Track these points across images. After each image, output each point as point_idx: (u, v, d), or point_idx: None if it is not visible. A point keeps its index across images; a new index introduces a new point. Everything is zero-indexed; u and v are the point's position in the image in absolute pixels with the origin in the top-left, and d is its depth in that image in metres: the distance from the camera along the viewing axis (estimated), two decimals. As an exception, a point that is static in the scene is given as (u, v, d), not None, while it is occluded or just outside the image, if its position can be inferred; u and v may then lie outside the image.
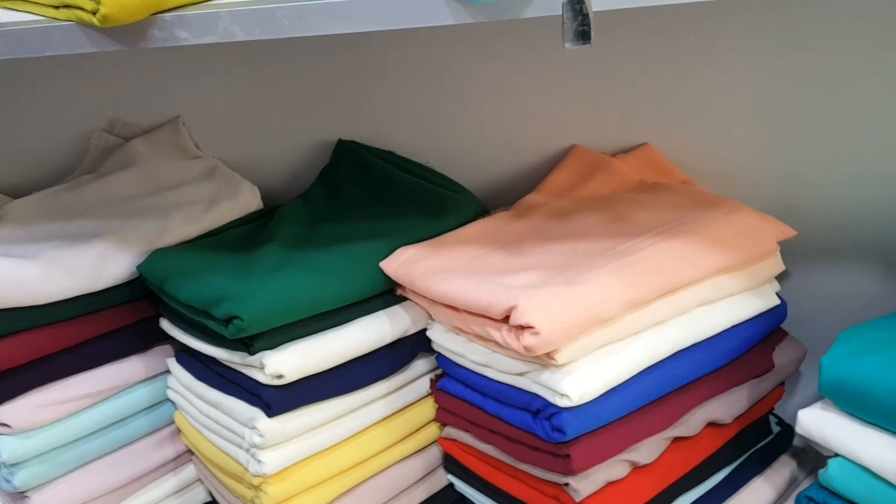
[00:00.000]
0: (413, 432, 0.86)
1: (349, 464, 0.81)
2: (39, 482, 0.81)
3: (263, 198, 0.95)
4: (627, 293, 0.68)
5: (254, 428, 0.74)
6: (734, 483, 0.84)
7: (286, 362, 0.72)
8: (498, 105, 0.92)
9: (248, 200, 0.93)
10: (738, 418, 0.82)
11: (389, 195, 0.89)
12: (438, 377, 0.86)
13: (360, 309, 0.79)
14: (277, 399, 0.73)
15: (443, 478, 0.89)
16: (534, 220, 0.83)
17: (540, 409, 0.70)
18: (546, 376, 0.68)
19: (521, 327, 0.65)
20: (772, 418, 0.90)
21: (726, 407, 0.81)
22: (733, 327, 0.78)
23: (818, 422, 0.72)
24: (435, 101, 0.94)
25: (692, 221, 0.77)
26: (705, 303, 0.76)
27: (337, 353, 0.76)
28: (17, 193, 0.94)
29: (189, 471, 0.93)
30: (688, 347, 0.75)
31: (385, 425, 0.83)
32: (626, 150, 0.92)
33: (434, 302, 0.76)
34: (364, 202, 0.90)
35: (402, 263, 0.77)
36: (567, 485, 0.71)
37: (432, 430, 0.87)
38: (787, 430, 0.92)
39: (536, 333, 0.63)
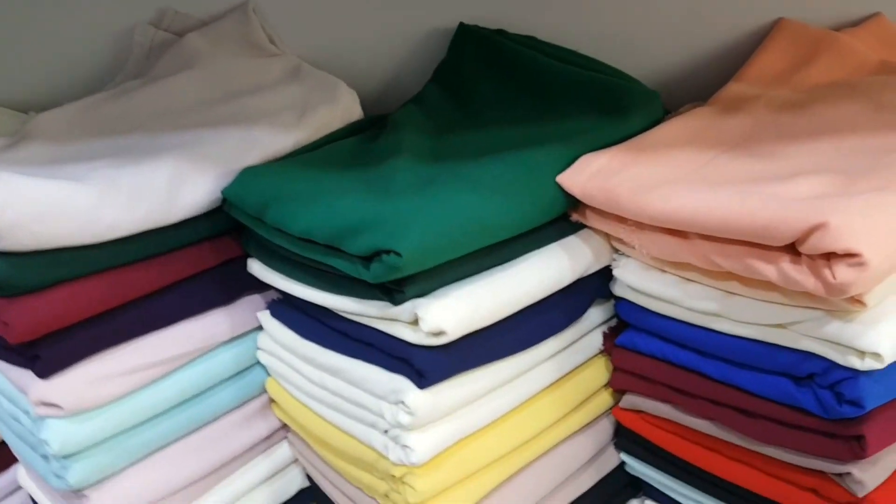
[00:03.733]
0: (582, 402, 0.66)
1: (511, 445, 0.61)
2: (100, 477, 0.61)
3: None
4: None
5: (399, 403, 0.54)
6: None
7: (449, 314, 0.52)
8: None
9: (348, 106, 0.71)
10: None
11: (540, 91, 0.67)
12: (615, 330, 0.65)
13: (531, 241, 0.58)
14: (433, 363, 0.53)
15: (613, 457, 0.69)
16: (756, 114, 0.61)
17: (815, 373, 0.50)
18: (836, 328, 0.47)
19: (831, 255, 0.43)
20: None
21: None
22: None
23: None
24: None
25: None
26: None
27: (509, 301, 0.55)
28: (43, 108, 0.72)
29: (283, 451, 0.73)
30: None
31: (551, 394, 0.63)
32: (852, 24, 0.69)
33: (641, 227, 0.55)
34: (505, 103, 0.68)
35: (594, 176, 0.55)
36: (846, 475, 0.51)
37: (603, 399, 0.67)
38: None
39: (861, 264, 0.42)
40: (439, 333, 0.52)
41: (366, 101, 0.75)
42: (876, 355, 0.46)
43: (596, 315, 0.65)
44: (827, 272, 0.43)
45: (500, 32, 0.73)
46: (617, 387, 0.66)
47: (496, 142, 0.61)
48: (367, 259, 0.50)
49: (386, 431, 0.57)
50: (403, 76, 0.78)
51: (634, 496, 0.72)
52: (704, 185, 0.51)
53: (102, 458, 0.61)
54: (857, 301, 0.45)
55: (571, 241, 0.60)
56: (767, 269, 0.47)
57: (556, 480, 0.65)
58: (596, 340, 0.65)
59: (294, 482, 0.75)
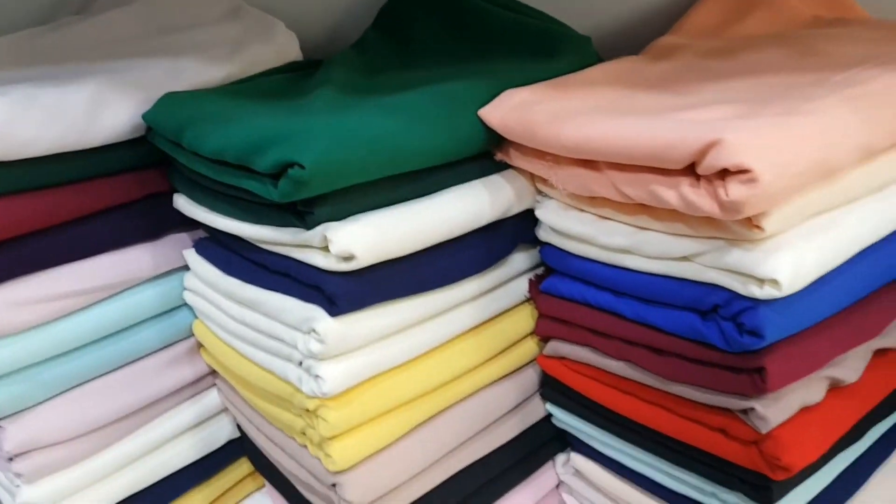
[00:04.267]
0: (507, 348, 0.65)
1: (427, 387, 0.60)
2: (14, 408, 0.61)
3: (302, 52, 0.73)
4: (863, 133, 0.47)
5: (311, 331, 0.54)
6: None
7: (359, 237, 0.51)
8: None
9: (284, 46, 0.71)
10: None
11: (477, 35, 0.67)
12: (540, 277, 0.65)
13: (451, 175, 0.57)
14: (345, 290, 0.52)
15: (539, 408, 0.69)
16: (683, 60, 0.61)
17: (718, 304, 0.50)
18: (737, 256, 0.47)
19: (725, 173, 0.43)
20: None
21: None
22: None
23: None
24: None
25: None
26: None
27: (424, 231, 0.55)
28: (-18, 45, 0.71)
29: (212, 398, 0.72)
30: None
31: (472, 339, 0.63)
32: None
33: (558, 160, 0.55)
34: (441, 48, 0.68)
35: (514, 108, 0.55)
36: (750, 410, 0.51)
37: (529, 348, 0.67)
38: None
39: (753, 180, 0.42)
40: (349, 257, 0.51)
41: (309, 45, 0.75)
42: (774, 282, 0.46)
43: (522, 261, 0.65)
44: (721, 191, 0.43)
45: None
46: (541, 333, 0.65)
47: (426, 80, 0.61)
48: (276, 177, 0.50)
49: (300, 363, 0.56)
50: (348, 22, 0.78)
51: (562, 450, 0.72)
52: (616, 114, 0.51)
53: (16, 389, 0.61)
54: (756, 226, 0.45)
55: (494, 179, 0.60)
56: (669, 195, 0.47)
57: (476, 426, 0.65)
58: (522, 287, 0.65)
59: (223, 431, 0.74)
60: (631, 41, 0.70)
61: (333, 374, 0.54)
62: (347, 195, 0.52)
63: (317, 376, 0.54)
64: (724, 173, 0.43)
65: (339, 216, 0.52)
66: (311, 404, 0.56)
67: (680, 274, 0.52)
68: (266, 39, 0.70)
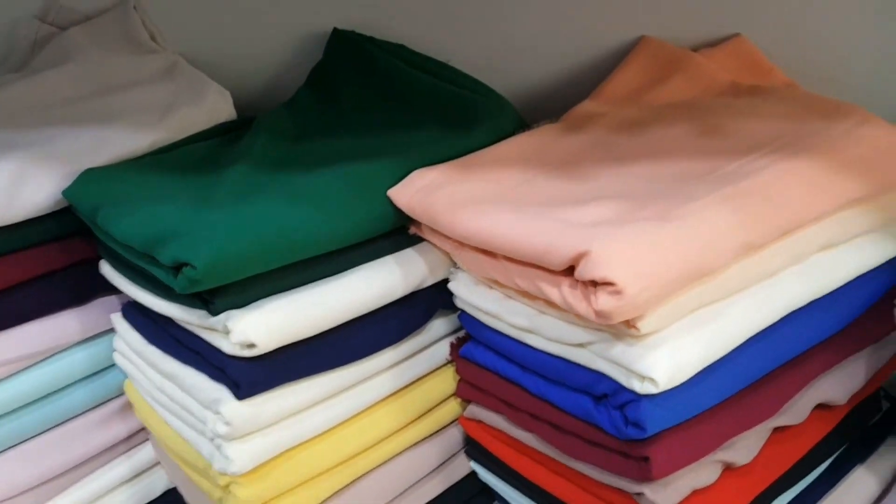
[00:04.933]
0: (428, 411, 0.67)
1: (346, 454, 0.62)
2: (-51, 470, 0.63)
3: (238, 106, 0.74)
4: (741, 234, 0.47)
5: (217, 413, 0.55)
6: (834, 475, 0.66)
7: (259, 326, 0.52)
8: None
9: (215, 107, 0.71)
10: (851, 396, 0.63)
11: (400, 101, 0.68)
12: (461, 341, 0.66)
13: (361, 253, 0.58)
14: (248, 375, 0.54)
15: (464, 464, 0.70)
16: (594, 134, 0.62)
17: (607, 393, 0.51)
18: (620, 350, 0.48)
19: (595, 283, 0.44)
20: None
21: (842, 383, 0.62)
22: (858, 278, 0.59)
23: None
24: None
25: (812, 135, 0.56)
26: (828, 246, 0.56)
27: (331, 312, 0.56)
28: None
29: (146, 452, 0.74)
30: (804, 307, 0.55)
31: (392, 404, 0.64)
32: (712, 44, 0.70)
33: (461, 244, 0.56)
34: (367, 110, 0.69)
35: (420, 191, 0.56)
36: (640, 495, 0.52)
37: (452, 408, 0.68)
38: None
39: (618, 293, 0.43)
40: (249, 345, 0.52)
41: (244, 101, 0.76)
42: (650, 380, 0.47)
43: (442, 326, 0.66)
44: (593, 299, 0.44)
45: (370, 40, 0.73)
46: (462, 396, 0.67)
47: (344, 151, 0.62)
48: (175, 269, 0.51)
49: (212, 440, 0.58)
50: (285, 78, 0.79)
51: (490, 503, 0.73)
52: (508, 206, 0.52)
53: (-52, 455, 0.62)
54: (632, 326, 0.46)
55: (408, 253, 0.61)
56: (552, 292, 0.48)
57: (400, 487, 0.66)
58: (443, 351, 0.66)
59: (159, 483, 0.75)
60: (561, 103, 0.70)
61: (241, 455, 0.56)
62: (249, 283, 0.53)
63: (226, 456, 0.56)
64: (592, 283, 0.44)
65: (242, 303, 0.53)
66: (222, 480, 0.57)
67: (575, 359, 0.53)
68: (197, 101, 0.71)
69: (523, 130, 0.67)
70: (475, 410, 0.65)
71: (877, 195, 0.57)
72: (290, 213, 0.53)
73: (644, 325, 0.46)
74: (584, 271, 0.44)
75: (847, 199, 0.54)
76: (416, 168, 0.58)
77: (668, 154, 0.55)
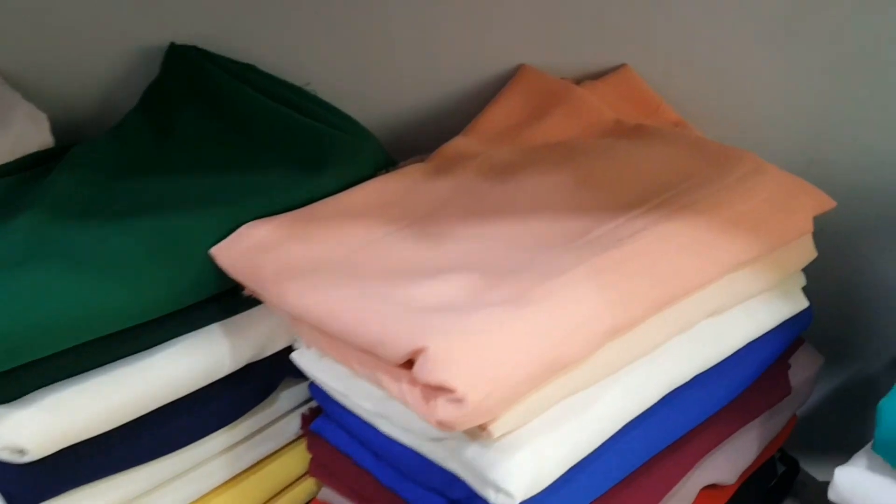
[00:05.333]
0: (278, 493, 0.58)
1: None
2: None
3: (60, 131, 0.63)
4: (607, 318, 0.40)
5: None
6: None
7: (30, 427, 0.42)
8: (412, 4, 0.62)
9: (23, 133, 0.60)
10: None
11: (242, 133, 0.59)
12: (314, 413, 0.58)
13: (174, 325, 0.48)
14: (20, 487, 0.43)
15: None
16: (461, 179, 0.54)
17: (460, 500, 0.43)
18: (473, 453, 0.41)
19: (433, 388, 0.36)
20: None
21: (731, 461, 0.56)
22: (749, 344, 0.53)
23: (865, 489, 0.48)
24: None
25: (699, 188, 0.50)
26: (716, 312, 0.50)
27: (129, 403, 0.46)
28: None
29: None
30: (689, 382, 0.49)
31: (234, 487, 0.55)
32: (596, 75, 0.63)
33: (295, 318, 0.47)
34: (203, 143, 0.59)
35: (247, 251, 0.47)
36: None
37: (307, 487, 0.59)
38: (792, 466, 0.69)
39: (458, 401, 0.35)
40: (19, 451, 0.42)
41: (68, 125, 0.65)
42: (506, 493, 0.39)
43: (292, 396, 0.57)
44: (432, 405, 0.36)
45: (213, 58, 0.63)
46: (314, 475, 0.58)
47: (165, 194, 0.52)
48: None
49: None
50: (118, 97, 0.68)
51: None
52: (344, 280, 0.43)
53: None
54: (483, 430, 0.39)
55: (240, 320, 0.51)
56: (392, 387, 0.40)
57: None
58: (294, 424, 0.57)
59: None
60: (434, 136, 0.62)
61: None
62: (23, 371, 0.43)
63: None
64: (431, 387, 0.36)
65: (11, 397, 0.43)
66: None
67: (429, 454, 0.45)
68: (1, 128, 0.59)
69: (388, 169, 0.59)
70: (328, 494, 0.57)
71: (769, 253, 0.51)
72: (74, 283, 0.43)
73: (497, 428, 0.39)
74: (421, 372, 0.36)
75: (736, 263, 0.48)
76: (247, 220, 0.49)
77: (538, 210, 0.48)
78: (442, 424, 0.36)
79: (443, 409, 0.35)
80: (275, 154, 0.56)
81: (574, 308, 0.39)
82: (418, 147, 0.63)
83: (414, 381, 0.38)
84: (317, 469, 0.57)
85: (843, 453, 0.55)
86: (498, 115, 0.60)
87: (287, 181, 0.53)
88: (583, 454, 0.43)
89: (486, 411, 0.36)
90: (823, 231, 0.58)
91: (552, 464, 0.41)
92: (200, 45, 0.64)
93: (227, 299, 0.51)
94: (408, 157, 0.61)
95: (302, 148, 0.56)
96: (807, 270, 0.57)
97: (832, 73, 0.61)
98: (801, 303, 0.57)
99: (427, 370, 0.35)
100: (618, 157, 0.54)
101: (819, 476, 0.73)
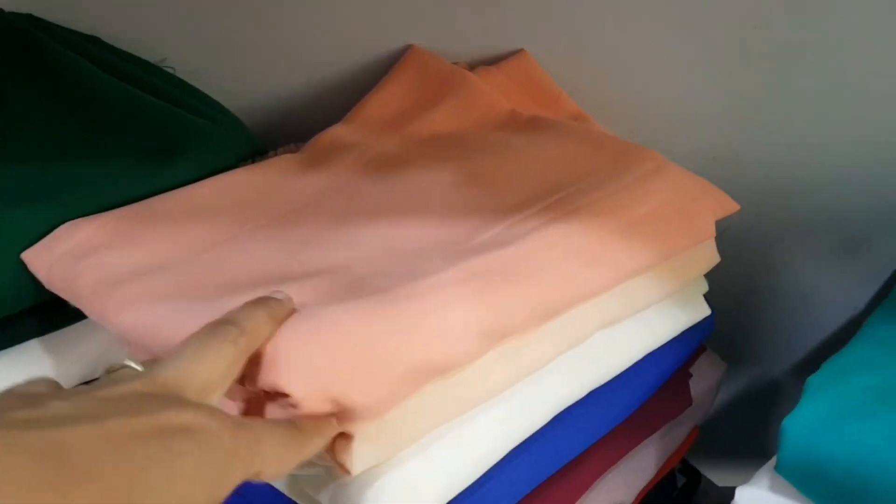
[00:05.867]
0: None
1: None
2: None
3: None
4: (483, 321, 0.35)
5: None
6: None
7: None
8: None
9: None
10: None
11: (81, 113, 0.50)
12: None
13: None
14: None
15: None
16: (339, 172, 0.48)
17: (321, 543, 0.37)
18: (331, 492, 0.35)
19: (268, 394, 0.30)
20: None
21: (629, 480, 0.52)
22: (647, 355, 0.49)
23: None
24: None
25: (596, 188, 0.45)
26: (611, 324, 0.46)
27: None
28: None
29: None
30: (581, 399, 0.45)
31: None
32: (492, 61, 0.58)
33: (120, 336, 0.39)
34: (34, 124, 0.50)
35: (63, 257, 0.39)
36: None
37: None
38: (693, 477, 0.66)
39: (293, 406, 0.29)
40: None
41: None
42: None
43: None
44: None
45: (49, 27, 0.54)
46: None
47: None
48: None
49: None
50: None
51: None
52: (173, 290, 0.36)
53: None
54: (341, 467, 0.33)
55: (66, 335, 0.44)
56: (230, 405, 0.33)
57: None
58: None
59: None
60: (315, 122, 0.56)
61: None
62: None
63: None
64: (266, 393, 0.30)
65: None
66: None
67: (285, 490, 0.39)
68: None
69: (257, 158, 0.52)
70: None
71: (668, 259, 0.47)
72: None
73: (356, 464, 0.33)
74: (263, 377, 0.30)
75: (632, 271, 0.44)
76: (69, 217, 0.41)
77: (421, 211, 0.42)
78: None
79: (276, 414, 0.29)
80: (117, 139, 0.49)
81: (443, 309, 0.34)
82: (294, 135, 0.56)
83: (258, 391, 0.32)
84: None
85: (746, 459, 0.52)
86: (382, 101, 0.54)
87: (128, 171, 0.46)
88: (462, 486, 0.38)
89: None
90: (727, 233, 0.55)
91: (427, 500, 0.35)
92: (36, 13, 0.55)
93: (50, 311, 0.43)
94: (279, 145, 0.55)
95: (150, 133, 0.49)
96: (709, 275, 0.54)
97: (738, 69, 0.57)
98: (703, 310, 0.53)
99: (266, 374, 0.29)
100: (511, 154, 0.49)
101: (720, 482, 0.71)
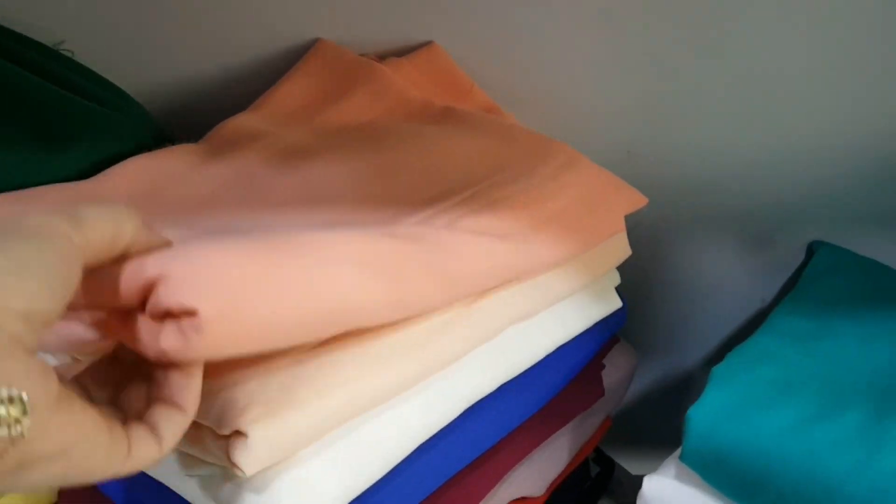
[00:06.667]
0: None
1: None
2: None
3: None
4: (381, 289, 0.34)
5: None
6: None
7: None
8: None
9: None
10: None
11: (4, 109, 0.47)
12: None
13: None
14: None
15: None
16: (242, 162, 0.46)
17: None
18: (228, 495, 0.34)
19: (164, 315, 0.28)
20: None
21: (540, 471, 0.53)
22: (559, 348, 0.49)
23: (673, 498, 0.47)
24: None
25: (509, 183, 0.45)
26: (524, 318, 0.46)
27: None
28: None
29: None
30: (492, 392, 0.44)
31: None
32: (401, 52, 0.57)
33: None
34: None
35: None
36: None
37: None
38: (608, 466, 0.67)
39: (194, 328, 0.27)
40: None
41: None
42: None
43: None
44: (161, 336, 0.28)
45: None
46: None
47: None
48: None
49: None
50: None
51: None
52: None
53: None
54: (234, 466, 0.32)
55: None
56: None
57: None
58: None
59: None
60: (216, 111, 0.53)
61: None
62: None
63: None
64: (167, 315, 0.28)
65: None
66: None
67: (181, 491, 0.37)
68: None
69: (160, 146, 0.50)
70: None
71: (579, 254, 0.47)
72: None
73: (251, 464, 0.31)
74: (159, 297, 0.27)
75: (545, 264, 0.44)
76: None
77: (329, 204, 0.41)
78: (168, 353, 0.28)
79: (171, 339, 0.27)
80: (5, 127, 0.45)
81: (345, 263, 0.32)
82: (198, 123, 0.54)
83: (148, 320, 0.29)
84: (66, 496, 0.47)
85: (660, 448, 0.53)
86: (290, 92, 0.53)
87: (17, 159, 0.43)
88: (368, 482, 0.37)
89: (228, 344, 0.29)
90: (639, 226, 0.56)
91: (328, 498, 0.35)
92: None
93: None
94: (184, 137, 0.52)
95: (41, 119, 0.46)
96: (621, 268, 0.55)
97: (652, 64, 0.58)
98: (615, 303, 0.54)
99: (165, 292, 0.27)
100: (424, 145, 0.48)
101: (634, 471, 0.72)
